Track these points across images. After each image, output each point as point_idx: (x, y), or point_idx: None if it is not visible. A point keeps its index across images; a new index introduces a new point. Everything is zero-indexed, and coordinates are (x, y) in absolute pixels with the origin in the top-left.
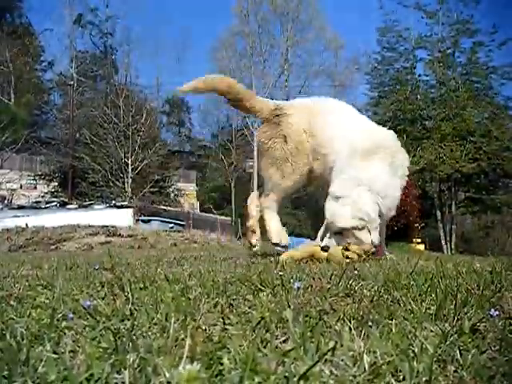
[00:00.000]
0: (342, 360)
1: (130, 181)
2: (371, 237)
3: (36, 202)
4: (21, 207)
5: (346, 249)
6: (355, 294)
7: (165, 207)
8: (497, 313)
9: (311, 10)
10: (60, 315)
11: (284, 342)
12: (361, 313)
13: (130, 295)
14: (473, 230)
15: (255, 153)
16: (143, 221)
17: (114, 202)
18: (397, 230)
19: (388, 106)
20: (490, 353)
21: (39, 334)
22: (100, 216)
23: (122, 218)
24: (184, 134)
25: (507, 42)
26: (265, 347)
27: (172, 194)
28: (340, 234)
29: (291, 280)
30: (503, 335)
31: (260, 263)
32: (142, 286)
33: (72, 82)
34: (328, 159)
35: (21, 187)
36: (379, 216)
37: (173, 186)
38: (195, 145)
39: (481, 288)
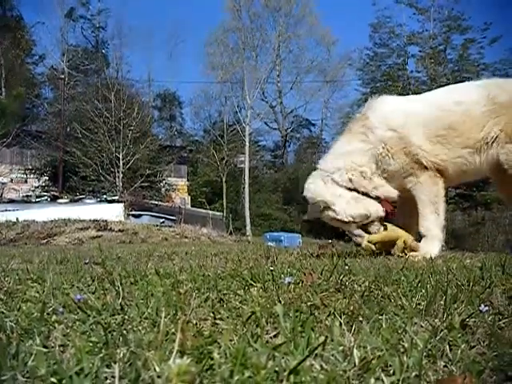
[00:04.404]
0: (333, 355)
1: (121, 175)
2: None
3: (26, 196)
4: (11, 201)
5: None
6: (346, 290)
7: (156, 202)
8: (486, 308)
9: (303, 6)
10: (50, 309)
11: (274, 336)
12: (351, 308)
13: (120, 289)
14: (463, 227)
15: (246, 148)
16: (134, 215)
17: (104, 196)
18: None
19: None
20: (480, 348)
21: (29, 327)
22: (91, 210)
23: (112, 212)
24: (175, 129)
25: (498, 39)
26: (255, 342)
27: (163, 189)
28: None
29: (282, 275)
30: (493, 331)
31: (251, 258)
32: (132, 280)
33: (63, 76)
34: None
35: (11, 181)
36: None
37: (164, 181)
38: (187, 140)
39: (471, 284)
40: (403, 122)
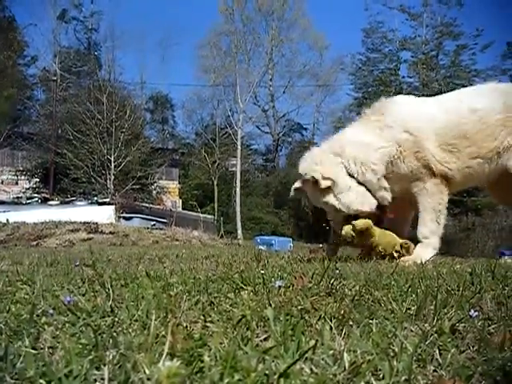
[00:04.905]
0: (323, 358)
1: (113, 177)
2: None
3: (17, 198)
4: (2, 203)
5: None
6: (336, 294)
7: (147, 204)
8: (476, 313)
9: (296, 10)
10: (40, 311)
11: (265, 340)
12: (342, 312)
13: (110, 292)
14: (453, 232)
15: (238, 151)
16: (125, 218)
17: (95, 198)
18: None
19: None
20: (469, 353)
21: (18, 329)
22: (82, 212)
23: (103, 214)
24: (167, 132)
25: (491, 45)
26: (245, 345)
27: (154, 192)
28: None
29: (272, 279)
30: (482, 336)
31: (242, 262)
32: (123, 282)
33: (55, 78)
34: None
35: (2, 183)
36: None
37: (155, 184)
38: (178, 142)
39: (461, 289)
40: (419, 126)
